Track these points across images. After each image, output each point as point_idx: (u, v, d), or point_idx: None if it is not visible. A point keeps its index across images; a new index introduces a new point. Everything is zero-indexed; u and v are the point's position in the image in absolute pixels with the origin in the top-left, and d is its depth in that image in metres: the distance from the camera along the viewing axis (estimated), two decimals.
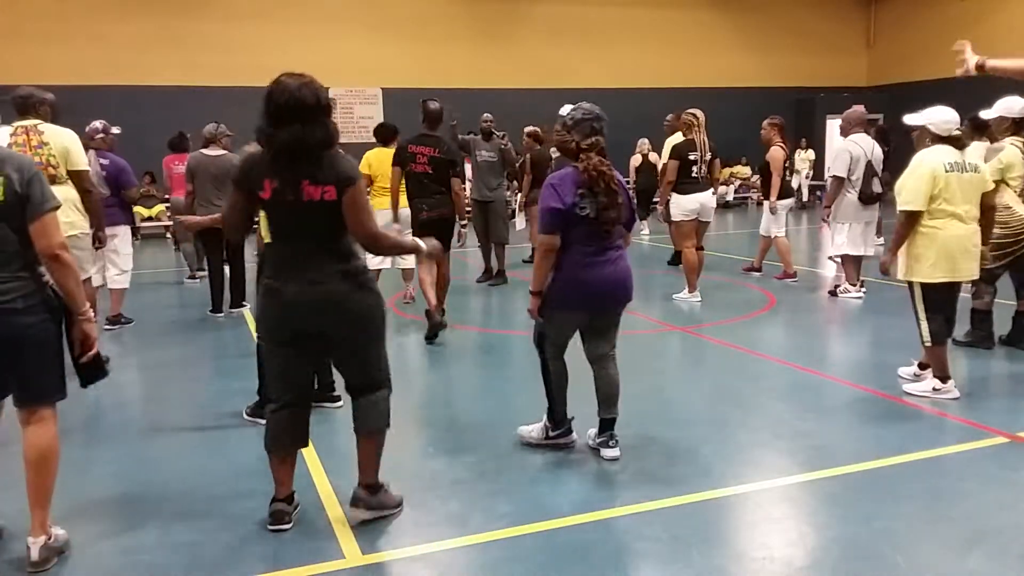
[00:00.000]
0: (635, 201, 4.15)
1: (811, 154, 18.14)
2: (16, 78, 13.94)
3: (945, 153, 4.57)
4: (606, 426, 3.94)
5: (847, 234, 7.58)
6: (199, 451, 4.19)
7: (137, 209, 14.44)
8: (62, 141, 5.25)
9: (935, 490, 3.54)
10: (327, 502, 3.46)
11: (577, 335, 3.98)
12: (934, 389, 4.70)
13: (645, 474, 3.73)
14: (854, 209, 7.52)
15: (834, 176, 7.49)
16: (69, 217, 5.17)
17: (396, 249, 3.50)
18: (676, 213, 7.78)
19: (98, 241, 5.79)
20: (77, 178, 5.34)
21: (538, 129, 9.71)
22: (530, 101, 16.68)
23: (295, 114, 2.91)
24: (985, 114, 6.01)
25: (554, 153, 8.55)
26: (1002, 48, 4.17)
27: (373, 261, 7.69)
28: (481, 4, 17.65)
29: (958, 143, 4.64)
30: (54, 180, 5.17)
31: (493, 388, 5.37)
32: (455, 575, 2.96)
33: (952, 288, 4.68)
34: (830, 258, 7.78)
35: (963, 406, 4.59)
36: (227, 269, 7.57)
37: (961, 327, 5.53)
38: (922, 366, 4.93)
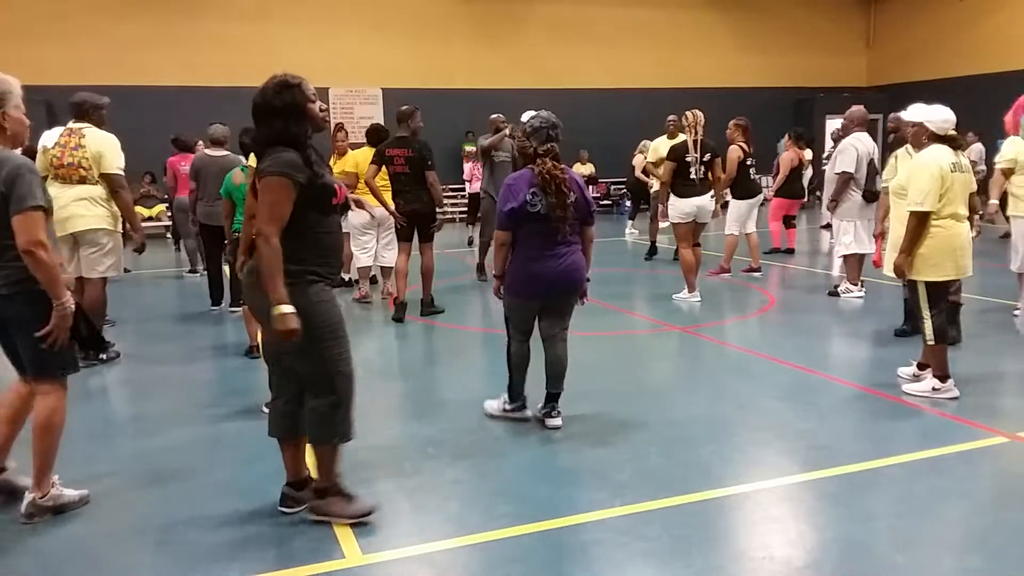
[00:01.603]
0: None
1: (808, 153, 18.13)
2: (16, 78, 14.02)
3: (947, 153, 4.60)
4: (551, 399, 4.40)
5: (853, 233, 7.58)
6: (199, 450, 4.19)
7: (137, 209, 14.45)
8: (97, 145, 5.63)
9: (935, 490, 3.54)
10: None
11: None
12: (933, 389, 4.71)
13: (645, 474, 3.73)
14: (858, 208, 7.53)
15: (843, 172, 7.47)
16: (93, 211, 5.63)
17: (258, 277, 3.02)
18: (673, 215, 7.81)
19: (130, 239, 6.10)
20: (107, 180, 5.68)
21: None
22: (530, 101, 16.66)
23: (252, 113, 3.12)
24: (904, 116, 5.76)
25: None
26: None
27: (361, 259, 7.89)
28: (481, 4, 17.65)
29: (955, 143, 4.66)
30: (85, 180, 5.61)
31: (493, 387, 5.36)
32: (455, 575, 2.96)
33: (950, 286, 4.73)
34: (841, 257, 7.80)
35: (963, 406, 4.59)
36: (226, 268, 7.58)
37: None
38: (921, 366, 4.94)
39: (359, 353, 6.22)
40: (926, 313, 4.67)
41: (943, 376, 4.70)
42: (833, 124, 14.65)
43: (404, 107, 7.22)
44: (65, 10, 14.76)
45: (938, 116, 4.66)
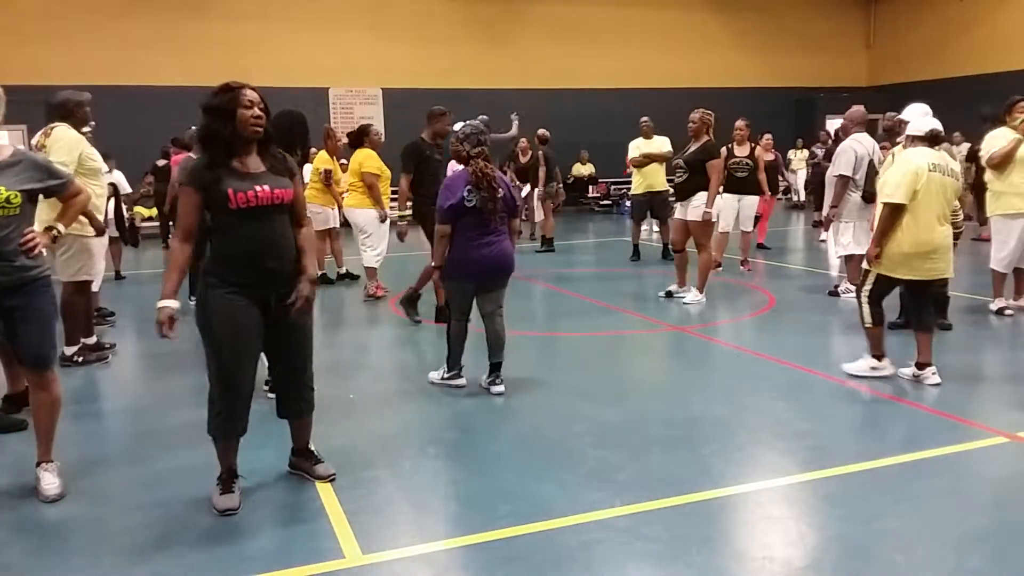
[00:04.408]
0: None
1: (806, 153, 18.15)
2: (16, 78, 13.97)
3: (926, 154, 4.81)
4: (493, 368, 5.00)
5: (852, 233, 7.57)
6: (197, 449, 4.17)
7: (137, 209, 14.45)
8: (50, 143, 5.34)
9: (935, 490, 3.54)
10: (327, 502, 3.47)
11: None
12: (871, 368, 5.04)
13: (645, 474, 3.73)
14: (858, 208, 7.49)
15: (840, 175, 7.46)
16: (53, 214, 5.24)
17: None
18: (715, 214, 7.74)
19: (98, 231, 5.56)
20: None
21: (546, 132, 12.21)
22: (530, 101, 16.70)
23: None
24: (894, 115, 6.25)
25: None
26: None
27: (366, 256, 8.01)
28: (481, 4, 17.65)
29: (935, 142, 4.87)
30: None
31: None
32: (455, 575, 2.96)
33: (897, 283, 4.99)
34: (840, 258, 7.84)
35: (963, 406, 4.60)
36: None
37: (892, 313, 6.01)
38: (920, 365, 4.95)
39: (354, 352, 6.25)
40: (865, 299, 4.99)
41: (879, 355, 5.03)
42: (833, 124, 14.65)
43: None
44: (65, 10, 14.77)
45: (916, 120, 4.96)
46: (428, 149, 6.80)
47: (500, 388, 4.94)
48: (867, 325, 5.03)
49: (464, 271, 4.80)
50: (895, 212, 4.74)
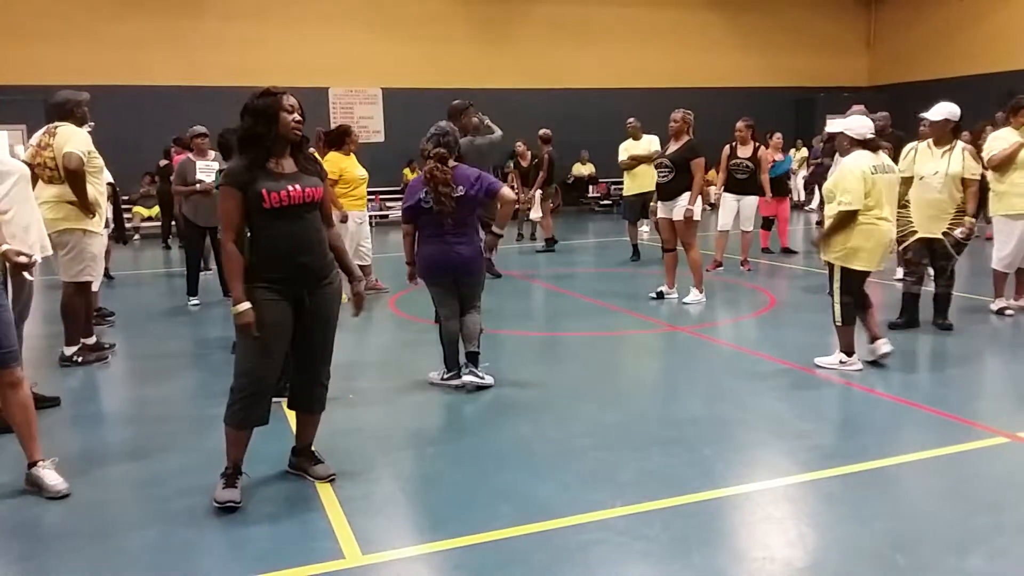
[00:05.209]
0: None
1: (805, 152, 18.13)
2: (16, 78, 14.02)
3: (868, 157, 5.09)
4: (470, 358, 5.09)
5: None
6: (197, 450, 4.17)
7: (137, 209, 14.47)
8: (61, 142, 5.36)
9: (936, 490, 3.54)
10: (327, 502, 3.46)
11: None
12: (841, 362, 5.23)
13: (645, 474, 3.72)
14: None
15: None
16: (56, 213, 5.38)
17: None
18: (697, 212, 7.68)
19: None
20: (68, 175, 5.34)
21: (548, 131, 12.08)
22: (530, 101, 16.69)
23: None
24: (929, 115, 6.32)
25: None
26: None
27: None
28: (481, 4, 17.64)
29: (874, 146, 5.14)
30: (52, 180, 5.38)
31: (490, 389, 5.36)
32: (454, 575, 2.95)
33: (866, 277, 5.23)
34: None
35: (964, 407, 4.59)
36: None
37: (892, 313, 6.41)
38: (872, 339, 5.24)
39: (352, 352, 6.23)
40: (839, 297, 5.17)
41: (849, 352, 5.22)
42: (833, 124, 14.58)
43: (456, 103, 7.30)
44: (65, 10, 14.77)
45: (856, 124, 5.19)
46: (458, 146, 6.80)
47: (469, 378, 5.01)
48: (837, 323, 5.22)
49: (425, 270, 4.97)
50: (849, 217, 5.02)
